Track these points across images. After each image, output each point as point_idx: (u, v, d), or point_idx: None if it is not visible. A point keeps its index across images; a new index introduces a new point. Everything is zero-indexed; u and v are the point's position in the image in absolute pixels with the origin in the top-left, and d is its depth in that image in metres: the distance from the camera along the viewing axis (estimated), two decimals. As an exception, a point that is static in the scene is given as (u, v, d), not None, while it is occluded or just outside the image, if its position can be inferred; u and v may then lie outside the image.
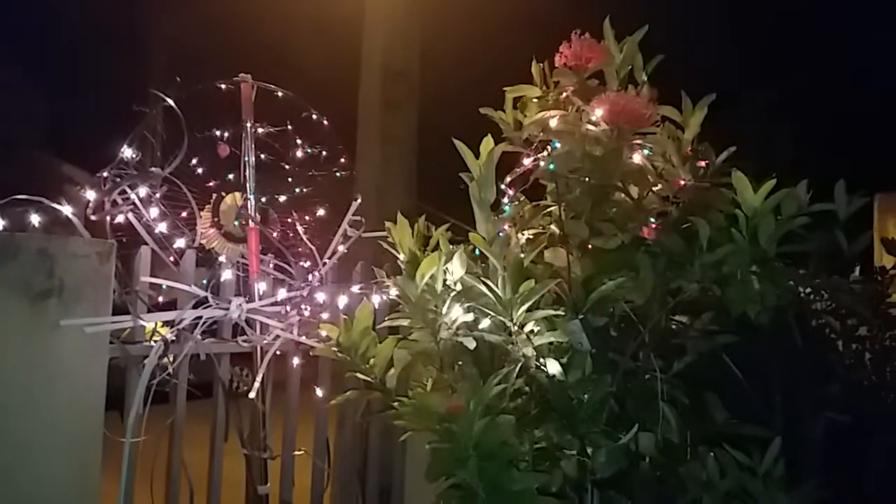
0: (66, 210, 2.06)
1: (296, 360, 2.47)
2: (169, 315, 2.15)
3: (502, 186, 1.93)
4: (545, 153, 1.89)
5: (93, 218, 2.10)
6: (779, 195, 1.63)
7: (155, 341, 2.12)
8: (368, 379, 1.83)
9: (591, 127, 1.84)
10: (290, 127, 2.50)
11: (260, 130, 2.44)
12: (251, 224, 2.38)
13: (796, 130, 10.25)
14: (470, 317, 1.75)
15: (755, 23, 11.14)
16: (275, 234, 2.46)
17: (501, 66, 2.67)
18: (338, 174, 2.58)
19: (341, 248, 2.52)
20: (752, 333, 1.71)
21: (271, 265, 2.47)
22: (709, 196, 1.79)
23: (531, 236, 1.91)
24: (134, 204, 2.17)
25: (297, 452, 2.60)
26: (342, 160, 2.59)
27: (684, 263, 1.72)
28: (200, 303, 2.20)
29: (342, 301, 2.39)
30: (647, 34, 1.93)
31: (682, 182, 1.86)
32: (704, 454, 1.63)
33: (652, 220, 1.79)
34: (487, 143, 1.82)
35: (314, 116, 2.51)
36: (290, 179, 2.53)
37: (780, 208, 1.64)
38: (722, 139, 1.91)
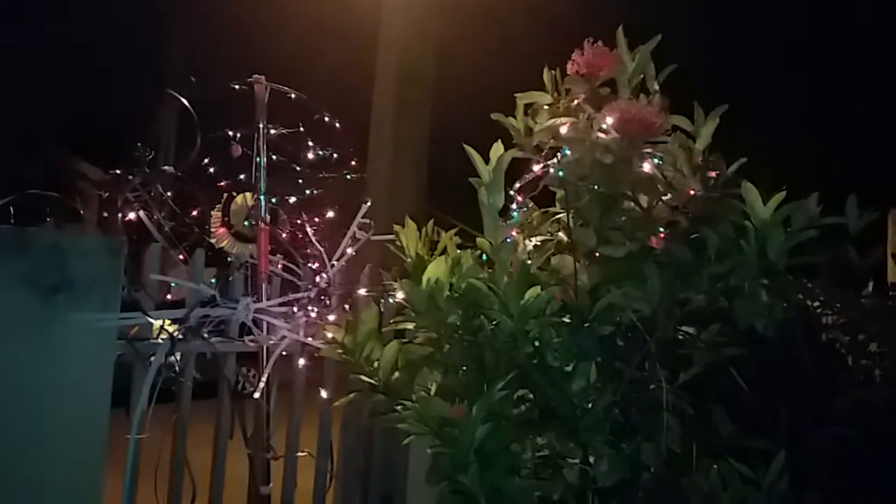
0: (79, 207, 2.08)
1: (301, 361, 2.48)
2: (177, 313, 2.16)
3: (511, 192, 1.93)
4: (555, 160, 1.89)
5: (105, 215, 2.12)
6: (788, 207, 1.63)
7: (162, 339, 2.13)
8: (372, 381, 1.83)
9: (601, 135, 1.84)
10: (302, 129, 2.51)
11: (272, 131, 2.45)
12: (261, 224, 2.39)
13: (810, 143, 10.18)
14: (475, 322, 1.75)
15: (767, 33, 11.08)
16: (284, 236, 2.47)
17: (515, 70, 2.67)
18: (348, 176, 2.59)
19: (350, 251, 2.53)
20: (760, 346, 1.70)
21: (280, 266, 2.48)
22: (718, 207, 1.78)
23: (539, 243, 1.91)
24: (146, 202, 2.19)
25: (300, 453, 2.60)
26: (353, 162, 2.60)
27: (692, 274, 1.71)
28: (208, 301, 2.21)
29: (349, 303, 2.40)
30: (660, 43, 1.93)
31: (692, 192, 1.85)
32: (708, 466, 1.62)
33: (661, 229, 1.78)
34: (497, 148, 1.83)
35: (326, 118, 2.51)
36: (300, 181, 2.54)
37: (790, 220, 1.64)
38: (734, 149, 1.90)
